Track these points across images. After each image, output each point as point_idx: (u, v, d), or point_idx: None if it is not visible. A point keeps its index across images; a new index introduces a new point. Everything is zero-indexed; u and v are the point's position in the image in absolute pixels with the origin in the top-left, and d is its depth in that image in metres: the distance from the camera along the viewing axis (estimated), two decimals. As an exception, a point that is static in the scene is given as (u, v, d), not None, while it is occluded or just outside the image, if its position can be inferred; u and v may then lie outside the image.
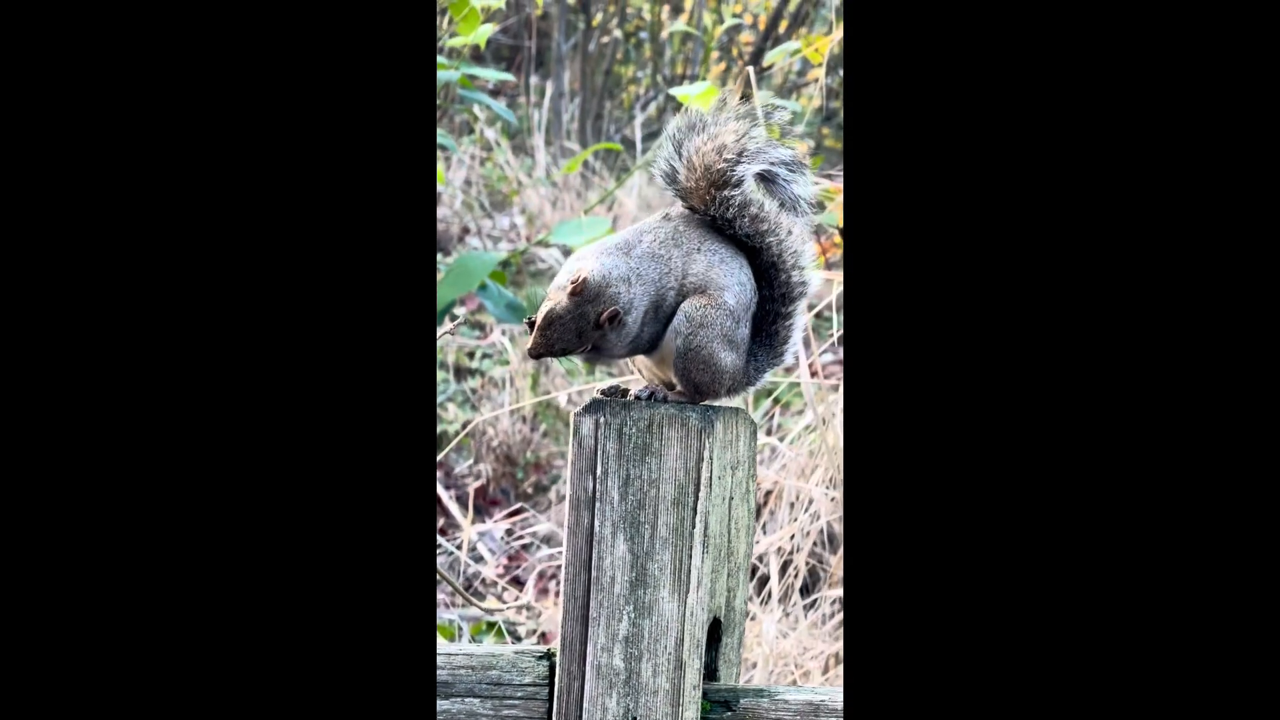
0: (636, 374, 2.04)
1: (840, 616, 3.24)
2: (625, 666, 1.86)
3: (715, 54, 7.62)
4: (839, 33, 3.43)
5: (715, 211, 1.93)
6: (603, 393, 1.94)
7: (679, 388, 1.94)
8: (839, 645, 3.12)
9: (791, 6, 7.21)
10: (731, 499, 1.91)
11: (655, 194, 6.74)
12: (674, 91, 3.59)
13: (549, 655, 1.92)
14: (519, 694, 1.91)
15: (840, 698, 1.84)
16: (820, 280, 2.02)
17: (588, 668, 1.87)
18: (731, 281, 1.92)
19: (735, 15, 7.56)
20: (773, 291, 1.96)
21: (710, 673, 1.92)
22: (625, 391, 1.94)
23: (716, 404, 1.95)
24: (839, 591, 3.14)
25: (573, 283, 1.86)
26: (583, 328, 1.87)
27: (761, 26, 7.44)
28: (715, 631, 1.91)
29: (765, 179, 1.95)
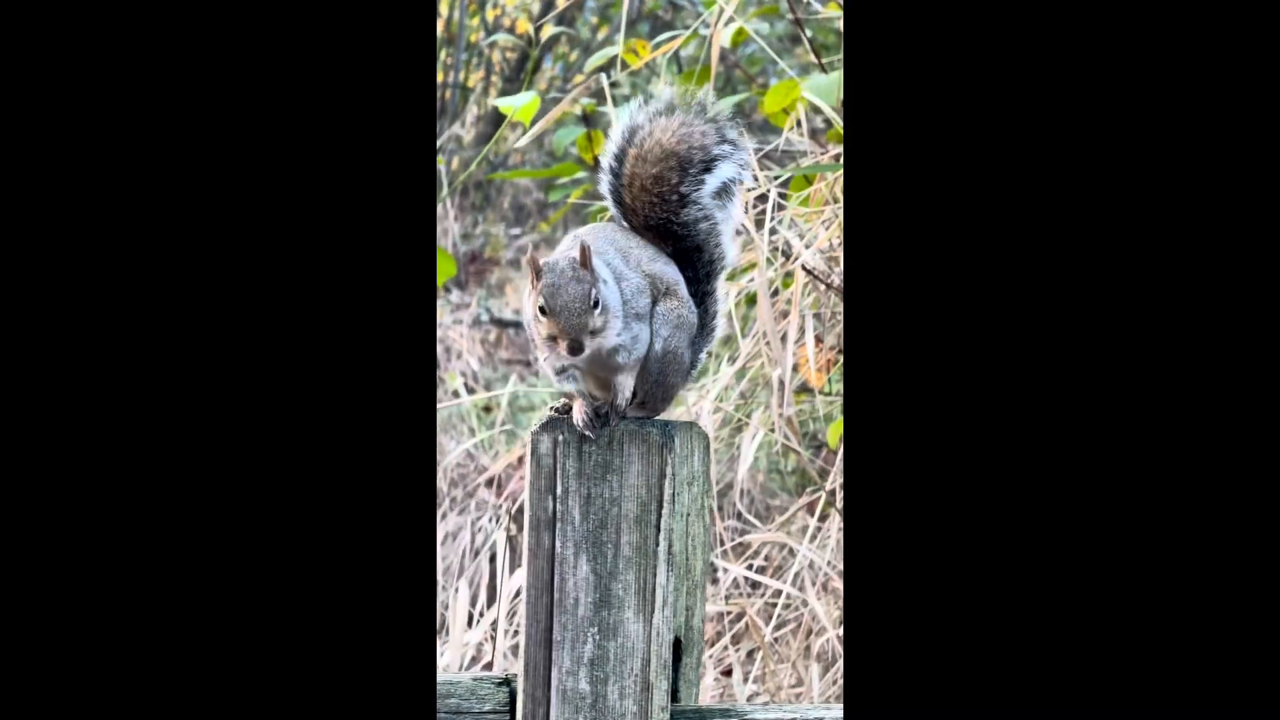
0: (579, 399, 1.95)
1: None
2: (591, 690, 1.81)
3: (475, 61, 7.56)
4: (678, 43, 3.42)
5: (667, 195, 1.88)
6: (555, 410, 1.88)
7: (625, 396, 1.85)
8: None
9: (558, 9, 7.18)
10: (689, 515, 1.87)
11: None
12: (497, 103, 3.53)
13: (508, 681, 1.86)
14: (479, 722, 1.85)
15: (810, 715, 1.82)
16: (737, 251, 1.99)
17: (552, 692, 1.81)
18: (682, 279, 1.91)
19: (496, 18, 7.52)
20: (695, 273, 1.94)
21: (671, 693, 1.88)
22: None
23: (669, 417, 1.91)
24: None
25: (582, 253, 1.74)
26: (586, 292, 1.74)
27: (521, 31, 7.40)
28: (675, 651, 1.87)
29: (706, 167, 1.92)
